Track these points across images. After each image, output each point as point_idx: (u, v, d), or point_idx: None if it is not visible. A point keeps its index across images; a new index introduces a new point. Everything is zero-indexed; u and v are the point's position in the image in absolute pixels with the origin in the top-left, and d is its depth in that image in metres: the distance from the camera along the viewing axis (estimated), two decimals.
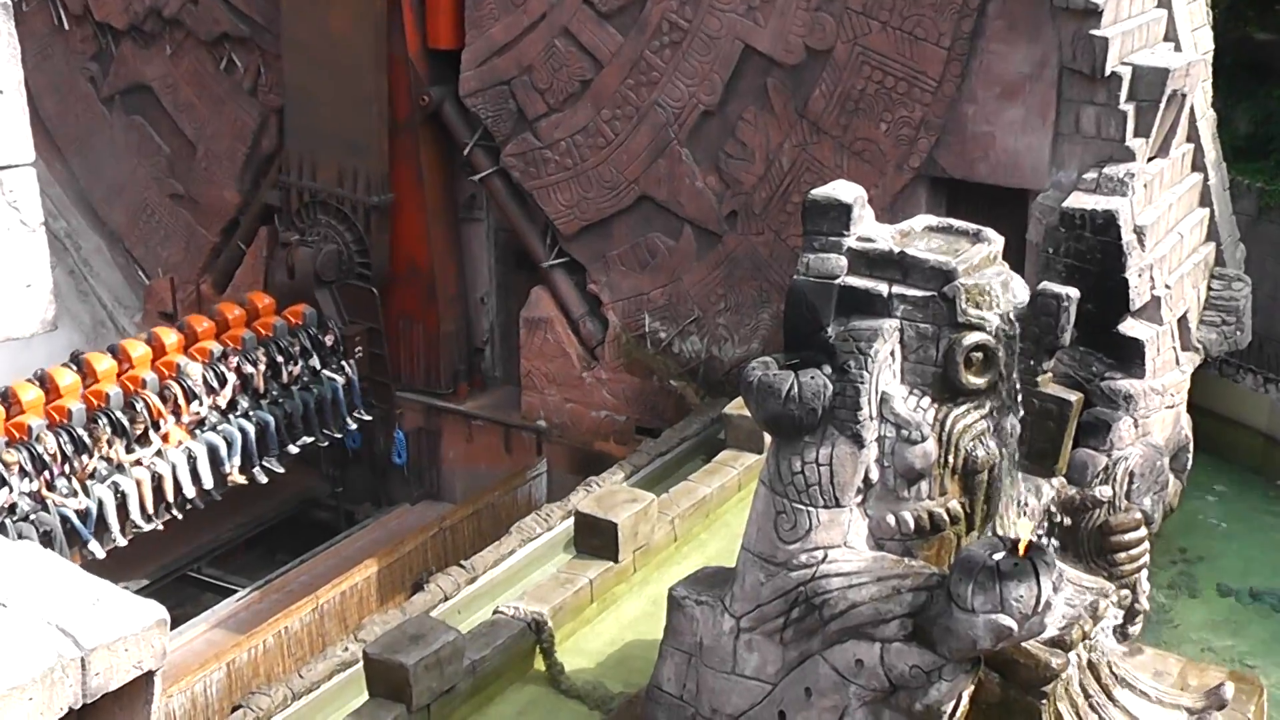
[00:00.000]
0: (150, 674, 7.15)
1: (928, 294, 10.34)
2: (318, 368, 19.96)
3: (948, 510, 10.42)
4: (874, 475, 10.28)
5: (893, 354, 10.35)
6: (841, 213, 10.71)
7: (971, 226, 11.15)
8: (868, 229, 10.80)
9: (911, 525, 10.32)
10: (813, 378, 10.11)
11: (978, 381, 10.35)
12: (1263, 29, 23.47)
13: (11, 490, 15.11)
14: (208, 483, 17.61)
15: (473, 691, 12.64)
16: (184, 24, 22.68)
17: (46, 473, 15.69)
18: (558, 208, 20.21)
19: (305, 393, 19.72)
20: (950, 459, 10.34)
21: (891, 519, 10.32)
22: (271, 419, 18.86)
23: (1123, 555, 11.68)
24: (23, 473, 15.28)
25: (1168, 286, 16.93)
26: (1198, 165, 18.68)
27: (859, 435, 10.16)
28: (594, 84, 19.48)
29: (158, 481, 16.88)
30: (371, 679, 12.29)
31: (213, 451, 17.77)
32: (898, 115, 17.49)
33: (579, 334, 20.61)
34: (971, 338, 10.25)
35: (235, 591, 19.39)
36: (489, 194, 21.17)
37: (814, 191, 11.10)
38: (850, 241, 10.62)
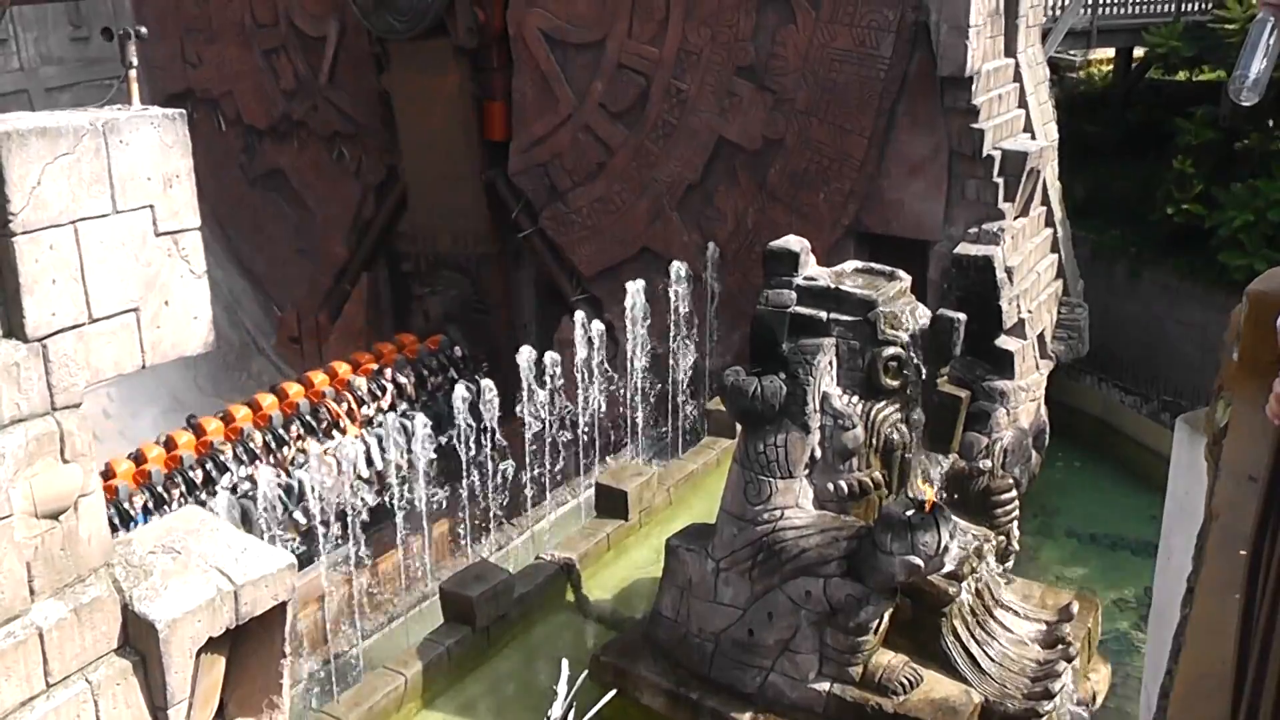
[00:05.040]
0: (284, 603, 7.09)
1: (856, 319, 10.29)
2: (455, 378, 19.51)
3: (872, 479, 10.36)
4: (818, 454, 10.22)
5: (831, 364, 10.29)
6: (792, 259, 10.66)
7: (887, 268, 11.09)
8: (811, 271, 10.75)
9: (846, 491, 10.26)
10: (771, 382, 10.06)
11: (893, 383, 10.30)
12: (1092, 125, 23.55)
13: (232, 474, 15.14)
14: (378, 467, 17.19)
15: (520, 617, 12.55)
16: (308, 125, 22.64)
17: (257, 461, 15.58)
18: (581, 257, 20.13)
19: (447, 399, 19.17)
20: (874, 441, 10.28)
21: (831, 486, 10.26)
22: (421, 418, 18.33)
23: (1000, 510, 11.60)
24: (238, 460, 15.25)
25: (1029, 311, 16.87)
26: (1049, 222, 18.63)
27: (806, 424, 10.10)
28: (608, 165, 19.41)
29: (339, 468, 16.56)
30: (446, 607, 12.22)
31: (381, 440, 17.39)
32: (832, 187, 17.42)
33: None
34: (888, 351, 10.20)
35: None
36: (530, 247, 21.10)
37: (771, 244, 11.05)
38: (798, 280, 10.58)
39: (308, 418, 16.50)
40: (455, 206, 20.78)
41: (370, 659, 12.11)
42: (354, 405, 17.25)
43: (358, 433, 16.99)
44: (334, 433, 16.69)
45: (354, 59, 21.57)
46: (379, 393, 17.81)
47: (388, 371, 18.28)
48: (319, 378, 18.38)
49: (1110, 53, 25.91)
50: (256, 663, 7.07)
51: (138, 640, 6.43)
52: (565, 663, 10.45)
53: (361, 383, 17.72)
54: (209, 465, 15.47)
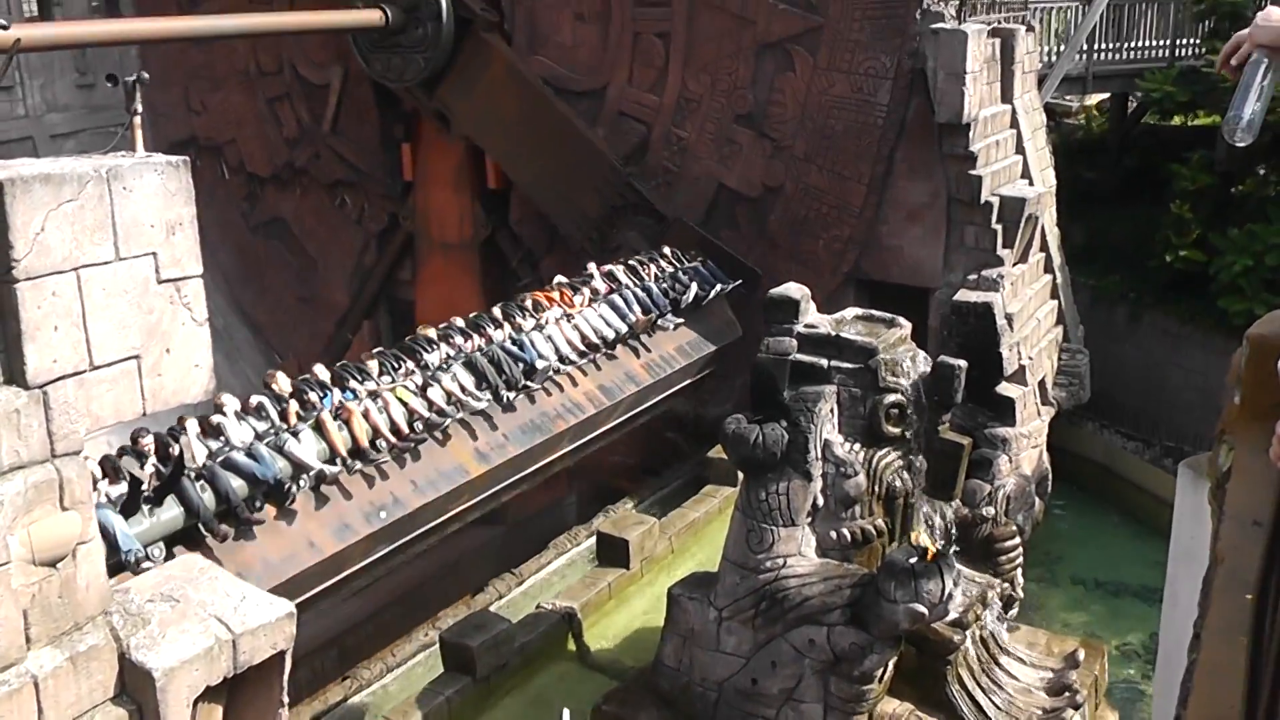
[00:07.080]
0: (282, 652, 7.04)
1: (857, 366, 10.30)
2: (670, 266, 18.27)
3: (875, 527, 10.32)
4: (820, 501, 10.19)
5: (832, 411, 10.29)
6: (792, 306, 10.71)
7: (888, 315, 11.13)
8: (812, 318, 10.79)
9: (848, 538, 10.22)
10: (773, 430, 10.06)
11: (895, 430, 10.30)
12: (1090, 170, 23.71)
13: (439, 350, 14.43)
14: (621, 330, 16.56)
15: (521, 666, 12.46)
16: (310, 173, 22.79)
17: (469, 338, 14.88)
18: None
19: (676, 275, 18.10)
20: (876, 488, 10.26)
21: (833, 534, 10.22)
22: (654, 287, 17.52)
23: (1003, 558, 11.57)
24: (445, 339, 14.66)
25: (1030, 358, 16.90)
26: (1048, 268, 18.70)
27: (808, 472, 10.08)
28: None
29: (580, 334, 16.18)
30: (446, 657, 12.14)
31: (615, 307, 16.74)
32: (831, 234, 17.51)
33: None
34: (890, 398, 10.21)
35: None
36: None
37: (771, 291, 11.10)
38: (799, 328, 10.61)
39: (512, 307, 16.08)
40: (576, 168, 19.63)
41: (370, 708, 11.99)
42: (565, 292, 16.88)
43: (574, 312, 16.56)
44: (543, 314, 16.36)
45: (357, 107, 21.75)
46: (588, 280, 17.42)
47: (590, 266, 17.83)
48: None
49: (1106, 97, 26.15)
50: (254, 712, 7.01)
51: (135, 689, 6.38)
52: (566, 713, 10.35)
53: (562, 278, 17.41)
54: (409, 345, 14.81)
